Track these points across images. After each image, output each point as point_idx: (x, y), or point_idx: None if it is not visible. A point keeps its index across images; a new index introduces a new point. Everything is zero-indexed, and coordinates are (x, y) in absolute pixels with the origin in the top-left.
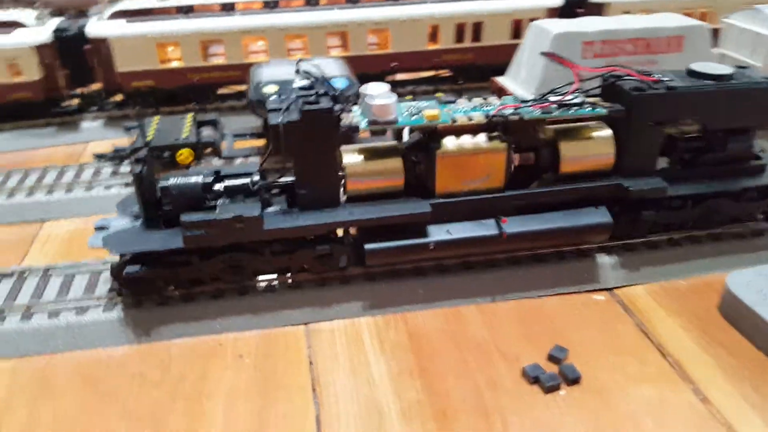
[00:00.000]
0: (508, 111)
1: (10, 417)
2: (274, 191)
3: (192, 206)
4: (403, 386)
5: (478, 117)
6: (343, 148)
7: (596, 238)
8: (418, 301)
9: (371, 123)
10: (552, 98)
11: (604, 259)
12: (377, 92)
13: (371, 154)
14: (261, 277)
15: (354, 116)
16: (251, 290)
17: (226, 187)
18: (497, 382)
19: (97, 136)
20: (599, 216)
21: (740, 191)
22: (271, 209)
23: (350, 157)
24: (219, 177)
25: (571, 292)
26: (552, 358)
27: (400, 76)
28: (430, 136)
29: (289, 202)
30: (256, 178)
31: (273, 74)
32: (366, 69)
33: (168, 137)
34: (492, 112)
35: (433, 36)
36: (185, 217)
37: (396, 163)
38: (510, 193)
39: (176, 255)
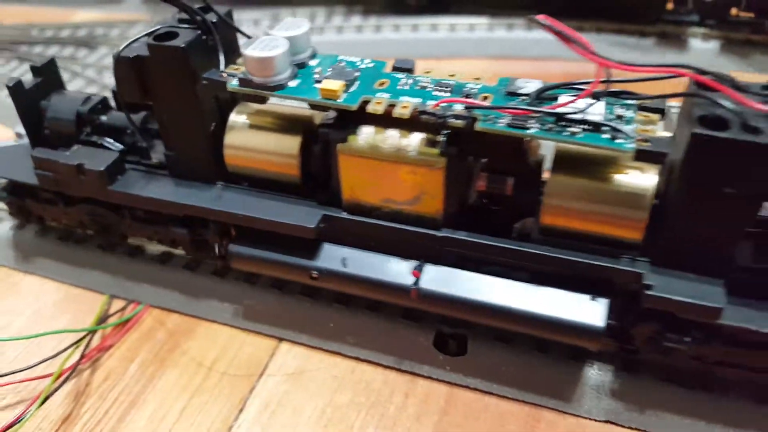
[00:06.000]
0: (454, 109)
1: None
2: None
3: (67, 135)
4: None
5: (404, 107)
6: (242, 105)
7: (577, 342)
8: None
9: (242, 82)
10: (537, 102)
11: (592, 374)
12: (272, 36)
13: (269, 120)
14: None
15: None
16: None
17: (102, 122)
18: None
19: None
20: (588, 313)
21: None
22: (142, 169)
23: (237, 118)
24: (107, 107)
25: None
26: None
27: None
28: (343, 118)
29: None
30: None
31: None
32: None
33: None
34: (425, 106)
35: None
36: (35, 152)
37: (290, 142)
38: (447, 234)
39: (45, 190)
